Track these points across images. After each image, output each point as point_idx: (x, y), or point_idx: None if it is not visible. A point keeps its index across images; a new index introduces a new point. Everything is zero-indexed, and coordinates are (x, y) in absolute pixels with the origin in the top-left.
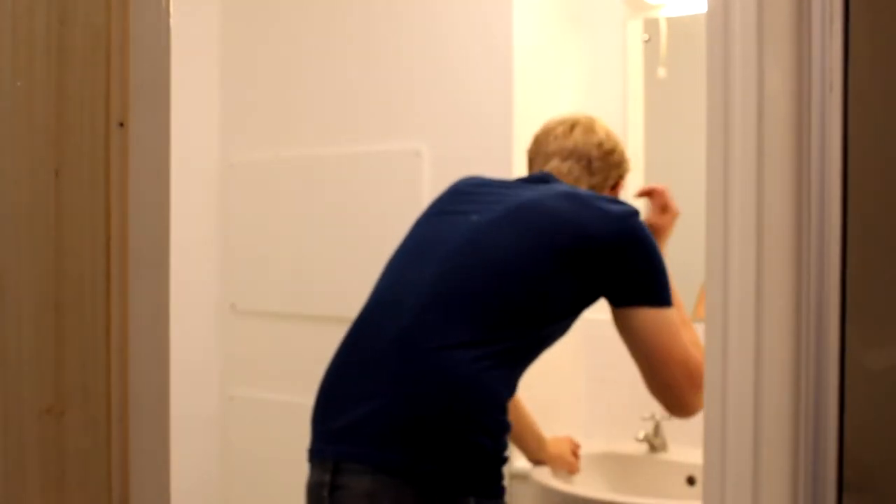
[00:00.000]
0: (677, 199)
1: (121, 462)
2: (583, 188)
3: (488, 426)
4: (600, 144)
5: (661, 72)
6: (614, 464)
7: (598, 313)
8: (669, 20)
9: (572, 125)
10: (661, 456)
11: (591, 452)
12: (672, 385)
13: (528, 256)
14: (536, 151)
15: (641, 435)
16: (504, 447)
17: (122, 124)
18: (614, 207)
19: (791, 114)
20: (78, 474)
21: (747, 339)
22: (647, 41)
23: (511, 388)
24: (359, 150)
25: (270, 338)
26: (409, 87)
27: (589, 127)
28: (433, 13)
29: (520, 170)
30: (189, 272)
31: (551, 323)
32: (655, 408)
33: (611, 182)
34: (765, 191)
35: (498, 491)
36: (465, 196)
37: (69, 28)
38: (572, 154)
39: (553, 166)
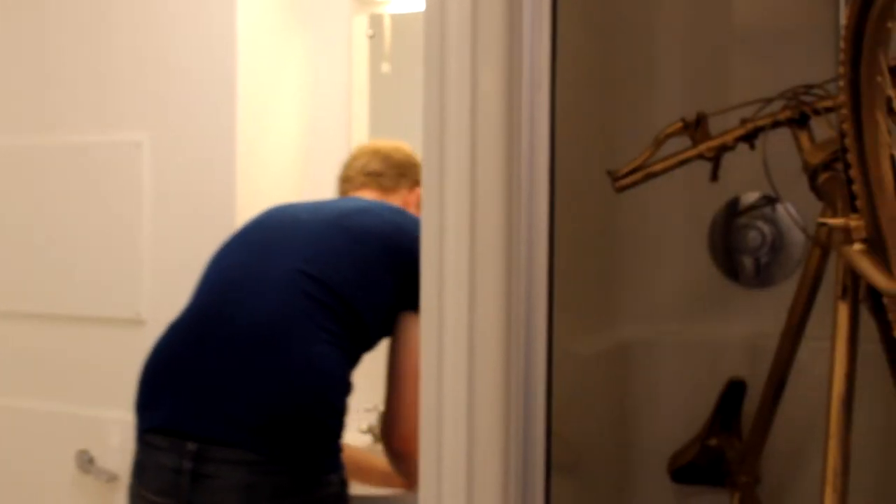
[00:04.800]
0: None
1: None
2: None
3: (341, 411)
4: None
5: (385, 67)
6: None
7: None
8: (394, 17)
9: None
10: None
11: None
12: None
13: (367, 258)
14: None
15: (365, 426)
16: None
17: None
18: (415, 217)
19: (503, 112)
20: None
21: (461, 331)
22: (371, 36)
23: (351, 376)
24: (77, 141)
25: None
26: (130, 77)
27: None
28: (155, 1)
29: (242, 160)
30: None
31: (380, 321)
32: (377, 399)
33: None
34: (478, 188)
35: (341, 463)
36: (291, 209)
37: None
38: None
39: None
